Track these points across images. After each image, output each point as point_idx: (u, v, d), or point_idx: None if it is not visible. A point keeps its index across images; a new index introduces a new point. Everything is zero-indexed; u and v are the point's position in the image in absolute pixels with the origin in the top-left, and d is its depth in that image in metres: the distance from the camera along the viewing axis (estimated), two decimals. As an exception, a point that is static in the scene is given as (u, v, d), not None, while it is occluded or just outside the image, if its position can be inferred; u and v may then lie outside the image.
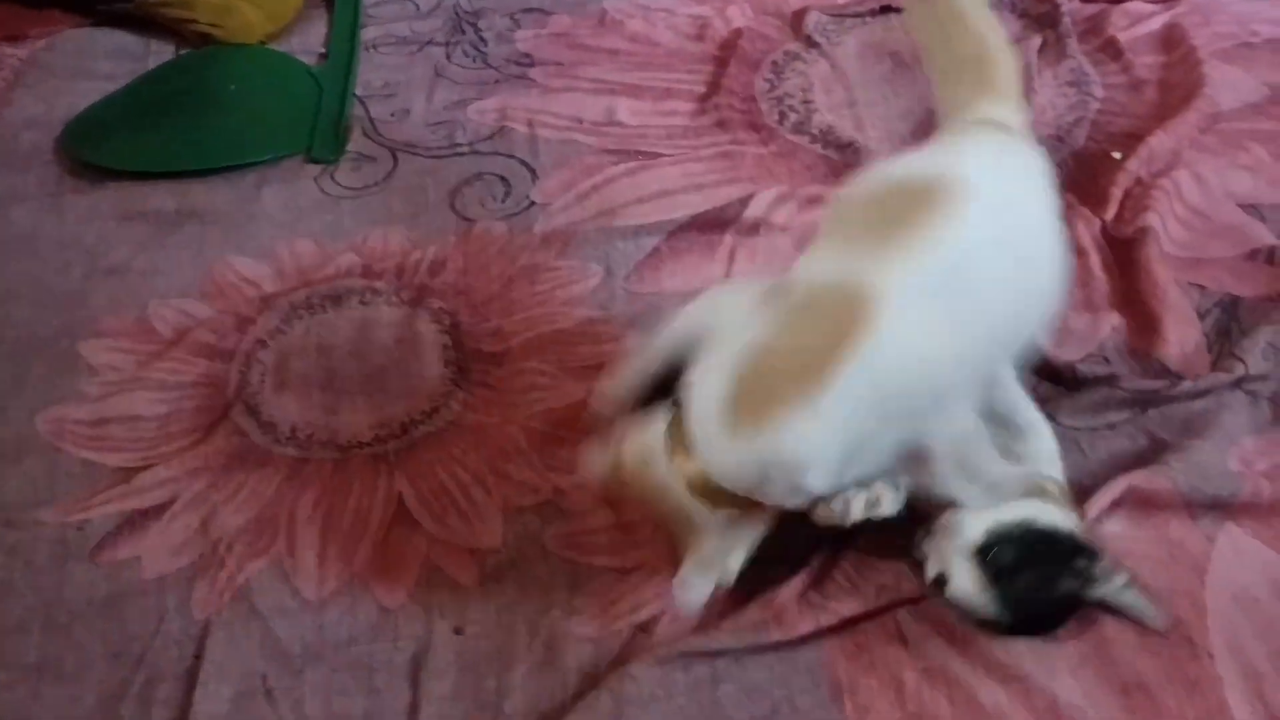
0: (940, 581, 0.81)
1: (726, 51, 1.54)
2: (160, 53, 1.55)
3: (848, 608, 0.88)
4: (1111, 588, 0.81)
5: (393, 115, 1.46)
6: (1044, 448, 0.90)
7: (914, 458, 0.80)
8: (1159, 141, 1.30)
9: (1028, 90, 1.43)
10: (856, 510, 0.78)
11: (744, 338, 0.80)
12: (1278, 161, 1.27)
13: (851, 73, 1.50)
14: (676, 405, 0.82)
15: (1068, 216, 1.23)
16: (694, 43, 1.55)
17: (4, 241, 1.29)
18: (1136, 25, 1.48)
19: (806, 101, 1.46)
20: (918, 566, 0.83)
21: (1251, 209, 1.21)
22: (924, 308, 0.76)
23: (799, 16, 1.57)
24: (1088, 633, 0.84)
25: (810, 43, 1.53)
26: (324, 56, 1.57)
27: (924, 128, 1.41)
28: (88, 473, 1.04)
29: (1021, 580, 0.79)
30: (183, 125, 1.44)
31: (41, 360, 1.15)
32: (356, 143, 1.42)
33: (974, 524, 0.80)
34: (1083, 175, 1.30)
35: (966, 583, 0.80)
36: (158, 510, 1.01)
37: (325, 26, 1.62)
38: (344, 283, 1.23)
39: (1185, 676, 0.83)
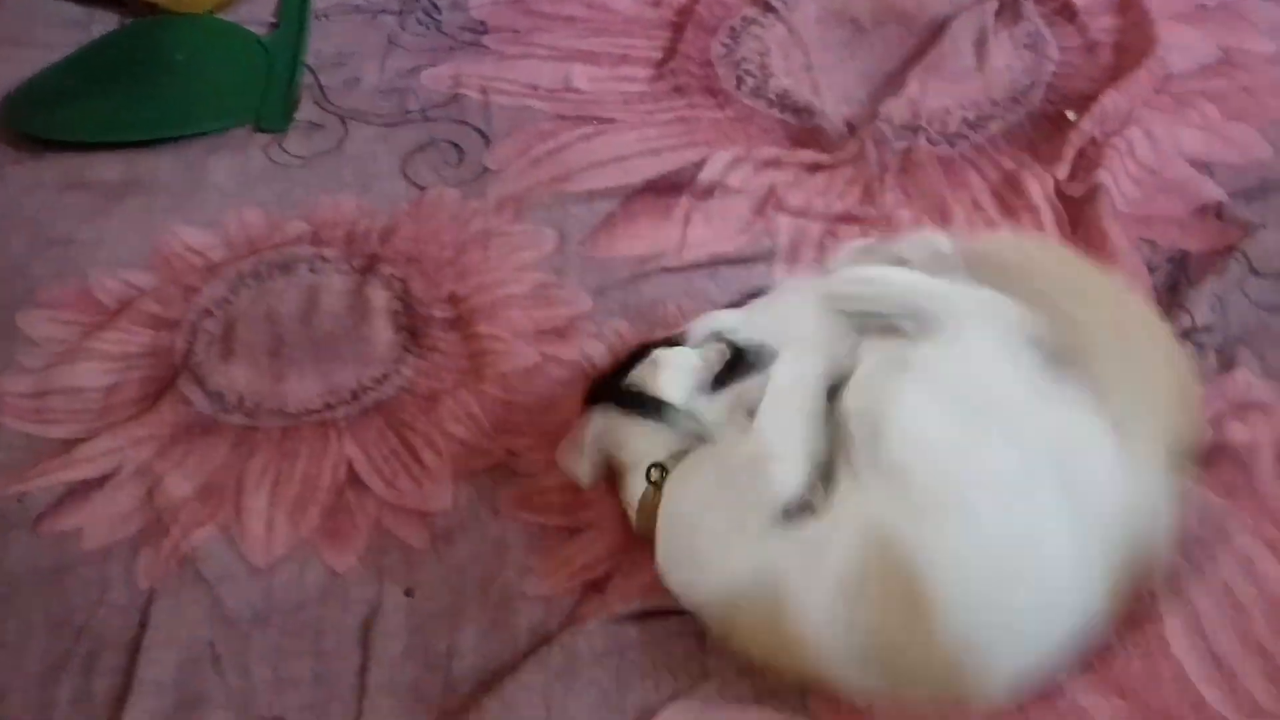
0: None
1: (683, 17, 1.53)
2: (104, 21, 1.51)
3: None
4: None
5: (344, 83, 1.44)
6: None
7: None
8: (1112, 101, 1.30)
9: (982, 54, 1.44)
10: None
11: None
12: (1228, 120, 1.28)
13: (809, 37, 1.49)
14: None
15: (1020, 176, 1.25)
16: (651, 9, 1.54)
17: (-58, 214, 1.26)
18: (1092, -13, 1.49)
19: (764, 66, 1.45)
20: None
21: (1202, 166, 1.22)
22: None
23: (756, -19, 1.56)
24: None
25: (768, 7, 1.52)
26: (274, 26, 1.54)
27: (881, 92, 1.41)
28: (29, 445, 1.02)
29: None
30: (128, 95, 1.40)
31: (-21, 333, 1.12)
32: (307, 111, 1.40)
33: None
34: (1038, 135, 1.31)
35: None
36: (101, 480, 0.99)
37: (275, -5, 1.59)
38: (293, 250, 1.21)
39: (1129, 617, 0.83)
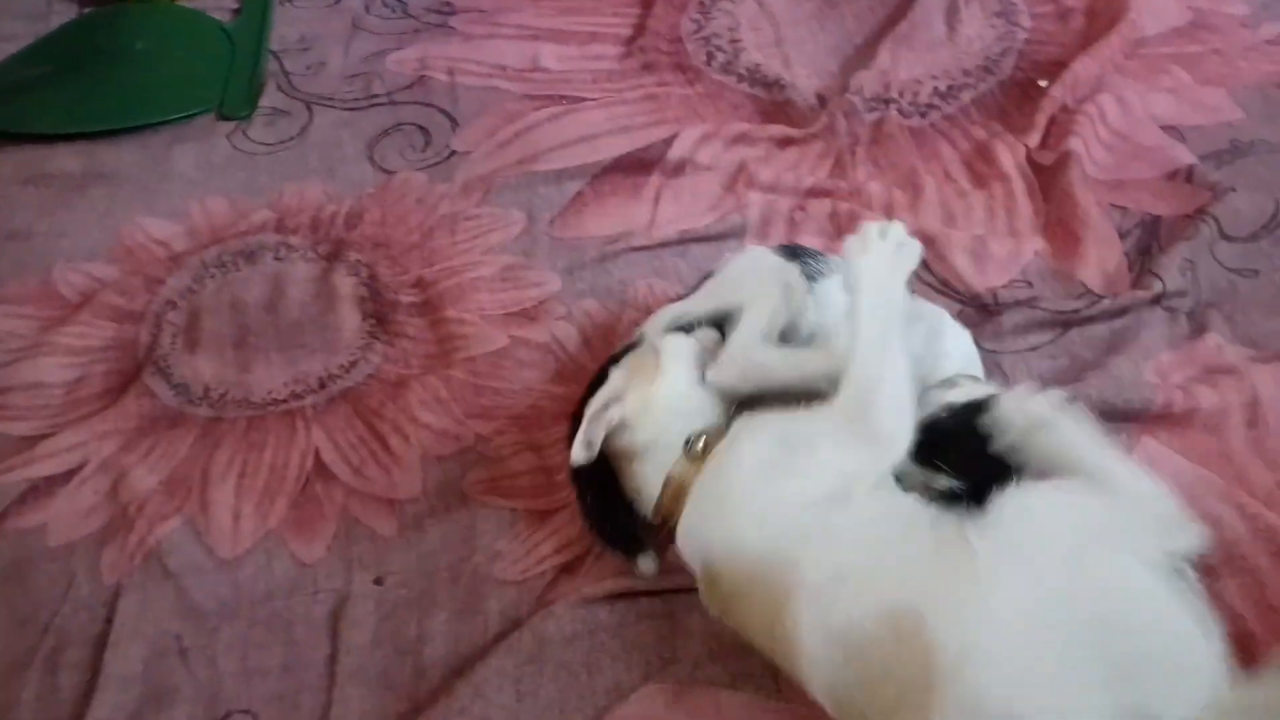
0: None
1: (652, -7, 1.51)
2: (63, 12, 1.49)
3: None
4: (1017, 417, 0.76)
5: (308, 68, 1.42)
6: (961, 347, 0.89)
7: None
8: (1083, 67, 1.29)
9: (953, 23, 1.43)
10: None
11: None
12: (1198, 84, 1.27)
13: (778, 10, 1.47)
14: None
15: (992, 145, 1.24)
16: (619, -15, 1.52)
17: (-99, 210, 1.24)
18: (1063, -46, 1.47)
19: (734, 41, 1.43)
20: None
21: (1173, 130, 1.21)
22: None
23: (724, -45, 1.53)
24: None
25: (737, -19, 1.50)
26: (237, 12, 1.52)
27: (852, 64, 1.40)
28: (-9, 443, 1.01)
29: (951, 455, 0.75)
30: (88, 85, 1.38)
31: (-61, 331, 1.11)
32: (271, 98, 1.38)
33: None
34: (1009, 104, 1.30)
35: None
36: (65, 476, 0.98)
37: (239, -19, 1.57)
38: (257, 239, 1.19)
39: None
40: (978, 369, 0.89)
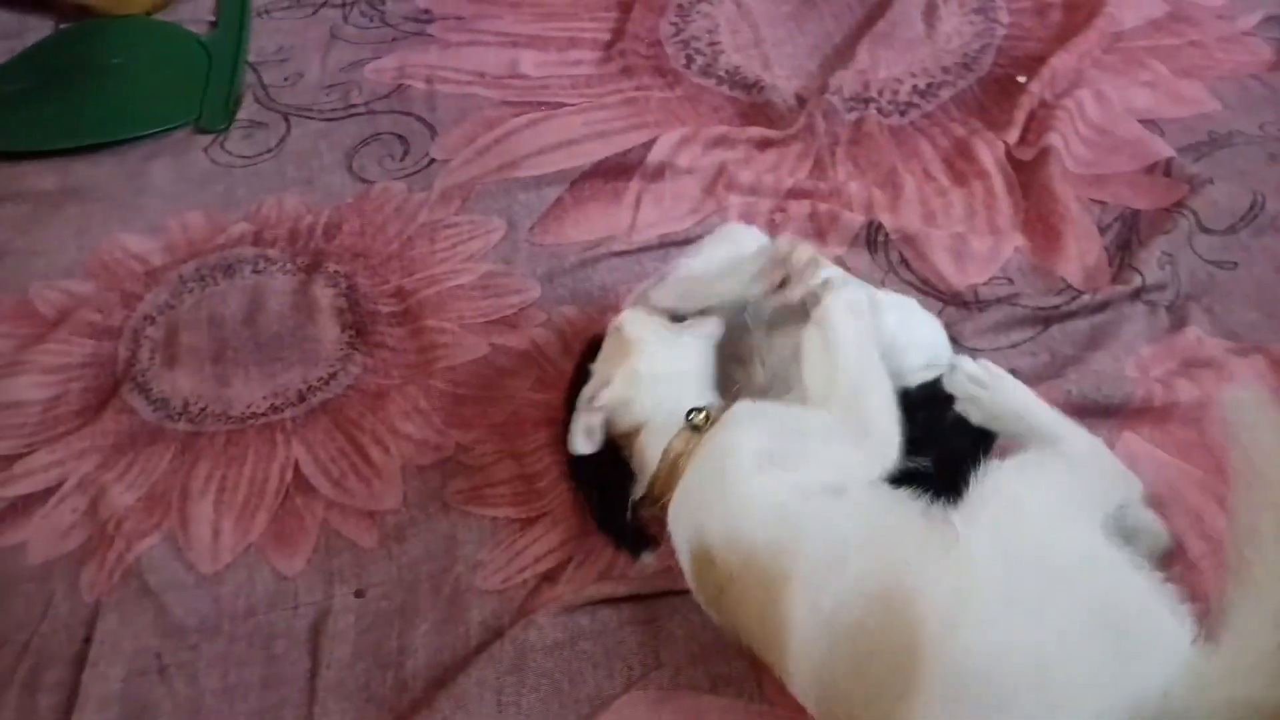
0: None
1: (631, -3, 1.51)
2: (39, 29, 1.48)
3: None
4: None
5: (286, 80, 1.42)
6: (929, 334, 0.90)
7: None
8: (1061, 62, 1.29)
9: (931, 21, 1.43)
10: None
11: None
12: (1176, 76, 1.27)
13: (757, 12, 1.47)
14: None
15: (971, 142, 1.23)
16: (598, -11, 1.52)
17: (-123, 230, 1.24)
18: (1040, -51, 1.47)
19: (713, 43, 1.43)
20: None
21: (1151, 124, 1.21)
22: None
23: (703, -43, 1.53)
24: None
25: (715, -17, 1.50)
26: (214, 25, 1.51)
27: (831, 64, 1.40)
28: (-32, 463, 1.00)
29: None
30: (64, 102, 1.38)
31: (-84, 351, 1.10)
32: (248, 110, 1.37)
33: None
34: (988, 100, 1.29)
35: None
36: (43, 495, 0.97)
37: (215, -6, 1.56)
38: (235, 252, 1.19)
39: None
40: (949, 355, 0.89)
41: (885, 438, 0.76)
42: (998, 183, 1.18)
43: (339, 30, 1.50)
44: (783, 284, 0.85)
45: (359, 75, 1.41)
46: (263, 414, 1.03)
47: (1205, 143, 1.17)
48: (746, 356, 0.88)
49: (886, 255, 1.11)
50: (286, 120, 1.35)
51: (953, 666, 0.64)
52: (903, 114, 1.30)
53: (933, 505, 0.72)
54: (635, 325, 0.87)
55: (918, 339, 0.87)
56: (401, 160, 1.29)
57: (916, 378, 0.82)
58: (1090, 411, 0.89)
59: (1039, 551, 0.68)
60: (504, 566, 0.90)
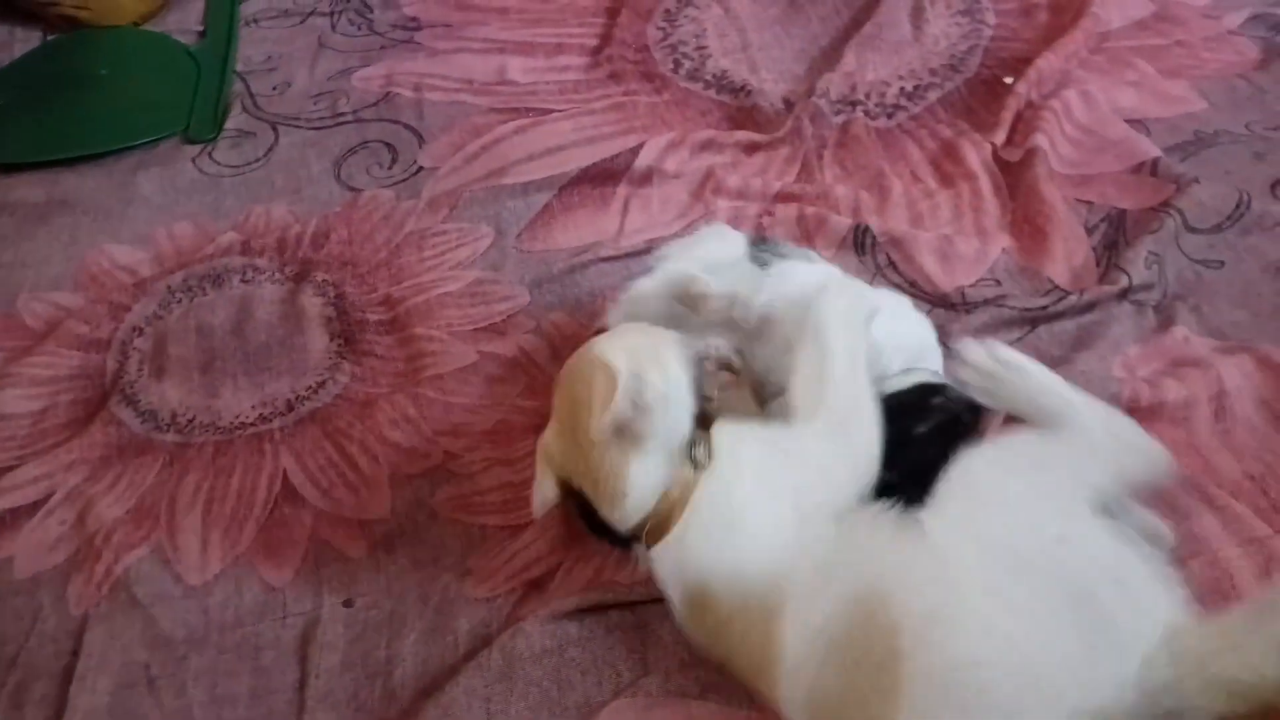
0: None
1: (618, 2, 1.51)
2: (26, 40, 1.49)
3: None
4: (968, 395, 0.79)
5: (274, 89, 1.42)
6: (919, 335, 0.89)
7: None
8: (1047, 63, 1.29)
9: (918, 23, 1.43)
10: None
11: None
12: (1162, 76, 1.27)
13: (744, 16, 1.48)
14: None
15: (958, 144, 1.23)
16: (585, -5, 1.52)
17: None
18: (1026, -50, 1.47)
19: (700, 48, 1.43)
20: None
21: (1138, 124, 1.21)
22: None
23: (689, -38, 1.54)
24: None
25: (702, -12, 1.50)
26: (202, 34, 1.51)
27: (818, 67, 1.40)
28: (-44, 477, 1.00)
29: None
30: (52, 113, 1.38)
31: (-97, 365, 1.10)
32: (236, 120, 1.37)
33: None
34: (975, 102, 1.30)
35: None
36: (30, 508, 0.97)
37: (203, 4, 1.57)
38: (223, 262, 1.19)
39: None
40: (936, 356, 0.88)
41: (870, 454, 0.75)
42: (985, 184, 1.18)
43: (327, 39, 1.50)
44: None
45: (347, 84, 1.41)
46: (251, 424, 1.03)
47: (1191, 142, 1.17)
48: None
49: (874, 258, 1.11)
50: (275, 129, 1.35)
51: (930, 661, 0.64)
52: (890, 116, 1.30)
53: (903, 512, 0.71)
54: (666, 338, 0.82)
55: (902, 340, 0.87)
56: (389, 168, 1.29)
57: (891, 384, 0.82)
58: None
59: (1008, 539, 0.67)
60: (492, 574, 0.89)
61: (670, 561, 0.76)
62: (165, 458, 1.00)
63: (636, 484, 0.75)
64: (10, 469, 1.00)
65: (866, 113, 1.30)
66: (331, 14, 1.55)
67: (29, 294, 1.17)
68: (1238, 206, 1.09)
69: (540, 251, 1.17)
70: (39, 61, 1.45)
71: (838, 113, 1.30)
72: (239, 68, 1.45)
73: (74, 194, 1.28)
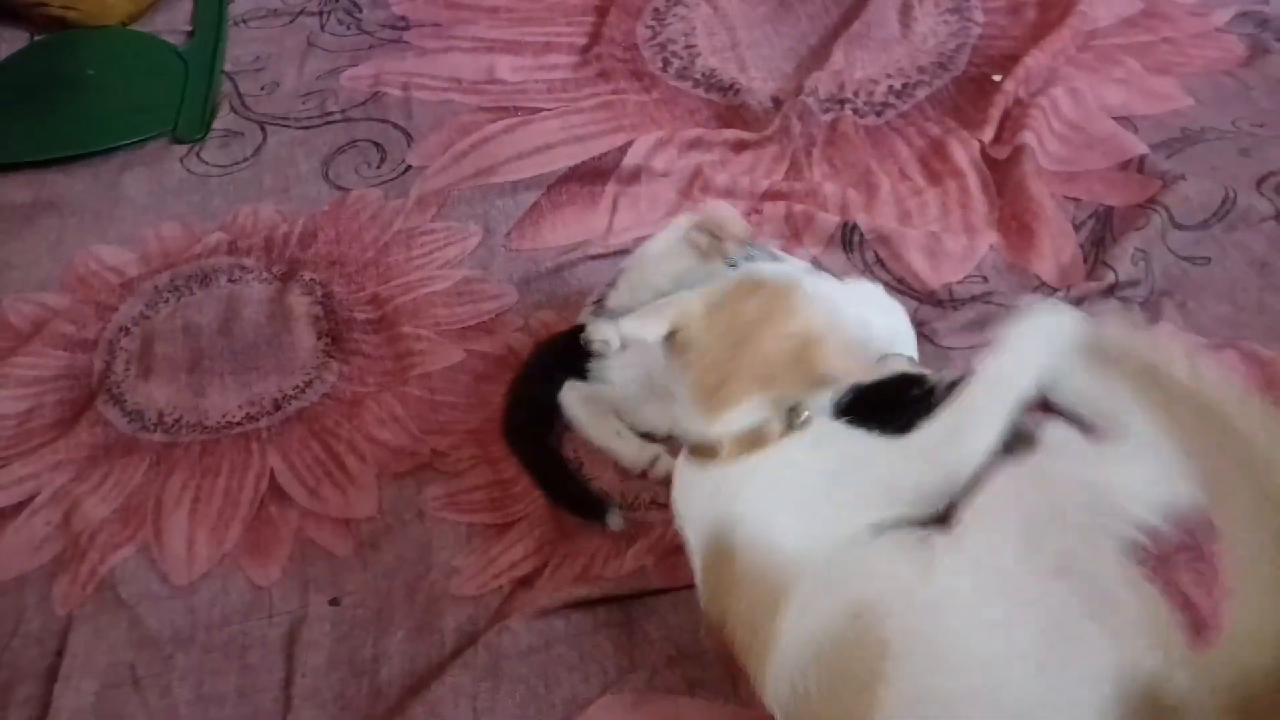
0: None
1: (607, 1, 1.51)
2: (13, 41, 1.48)
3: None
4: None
5: (262, 89, 1.42)
6: (892, 323, 0.88)
7: None
8: (1035, 61, 1.29)
9: (907, 21, 1.43)
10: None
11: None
12: (1149, 73, 1.27)
13: (733, 14, 1.48)
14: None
15: (946, 141, 1.24)
16: (573, -6, 1.52)
17: None
18: (1013, -52, 1.48)
19: (689, 46, 1.43)
20: None
21: (1125, 120, 1.21)
22: None
23: (678, -39, 1.54)
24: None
25: (691, -14, 1.50)
26: (190, 34, 1.51)
27: (807, 65, 1.40)
28: (-59, 478, 1.00)
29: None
30: (39, 114, 1.37)
31: (-111, 365, 1.09)
32: (224, 119, 1.37)
33: None
34: (964, 100, 1.30)
35: None
36: (15, 509, 0.96)
37: (191, 4, 1.56)
38: (210, 261, 1.18)
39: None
40: (911, 344, 0.88)
41: (944, 490, 0.70)
42: (972, 181, 1.18)
43: (315, 38, 1.50)
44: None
45: (335, 83, 1.41)
46: (238, 423, 1.02)
47: (1178, 139, 1.18)
48: None
49: (862, 255, 1.11)
50: (263, 129, 1.35)
51: (909, 690, 0.63)
52: (878, 114, 1.30)
53: (925, 529, 0.69)
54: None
55: (877, 330, 0.85)
56: (378, 167, 1.29)
57: (869, 373, 0.81)
58: (1063, 413, 0.89)
59: (1009, 574, 0.64)
60: (479, 572, 0.89)
61: (710, 487, 0.73)
62: (152, 457, 1.00)
63: (750, 406, 0.73)
64: (-4, 469, 1.00)
65: (855, 111, 1.30)
66: (320, 13, 1.55)
67: (15, 295, 1.16)
68: (1224, 203, 1.09)
69: (529, 250, 1.17)
70: (26, 62, 1.45)
71: (826, 111, 1.30)
72: (227, 68, 1.45)
73: (61, 194, 1.27)
